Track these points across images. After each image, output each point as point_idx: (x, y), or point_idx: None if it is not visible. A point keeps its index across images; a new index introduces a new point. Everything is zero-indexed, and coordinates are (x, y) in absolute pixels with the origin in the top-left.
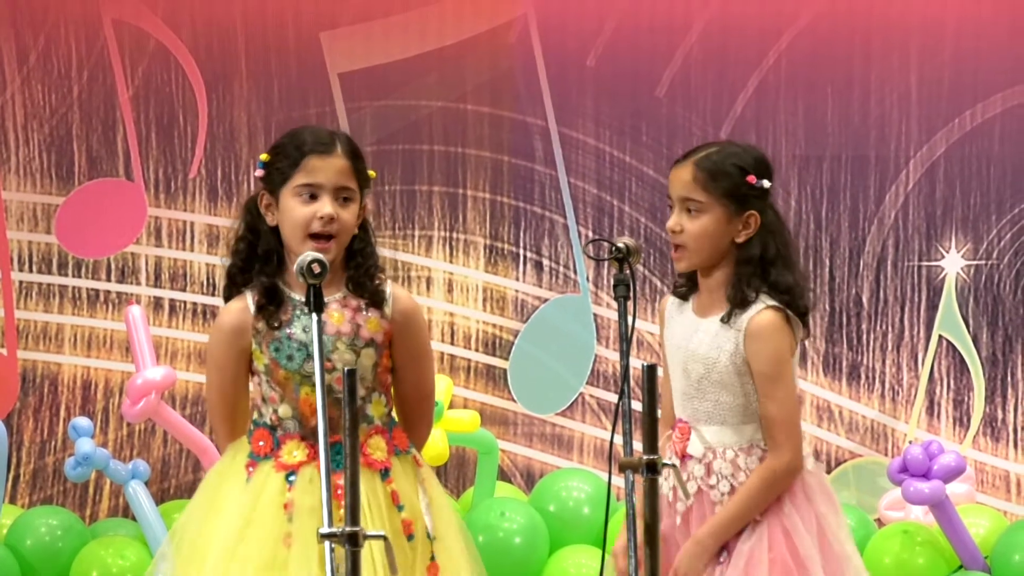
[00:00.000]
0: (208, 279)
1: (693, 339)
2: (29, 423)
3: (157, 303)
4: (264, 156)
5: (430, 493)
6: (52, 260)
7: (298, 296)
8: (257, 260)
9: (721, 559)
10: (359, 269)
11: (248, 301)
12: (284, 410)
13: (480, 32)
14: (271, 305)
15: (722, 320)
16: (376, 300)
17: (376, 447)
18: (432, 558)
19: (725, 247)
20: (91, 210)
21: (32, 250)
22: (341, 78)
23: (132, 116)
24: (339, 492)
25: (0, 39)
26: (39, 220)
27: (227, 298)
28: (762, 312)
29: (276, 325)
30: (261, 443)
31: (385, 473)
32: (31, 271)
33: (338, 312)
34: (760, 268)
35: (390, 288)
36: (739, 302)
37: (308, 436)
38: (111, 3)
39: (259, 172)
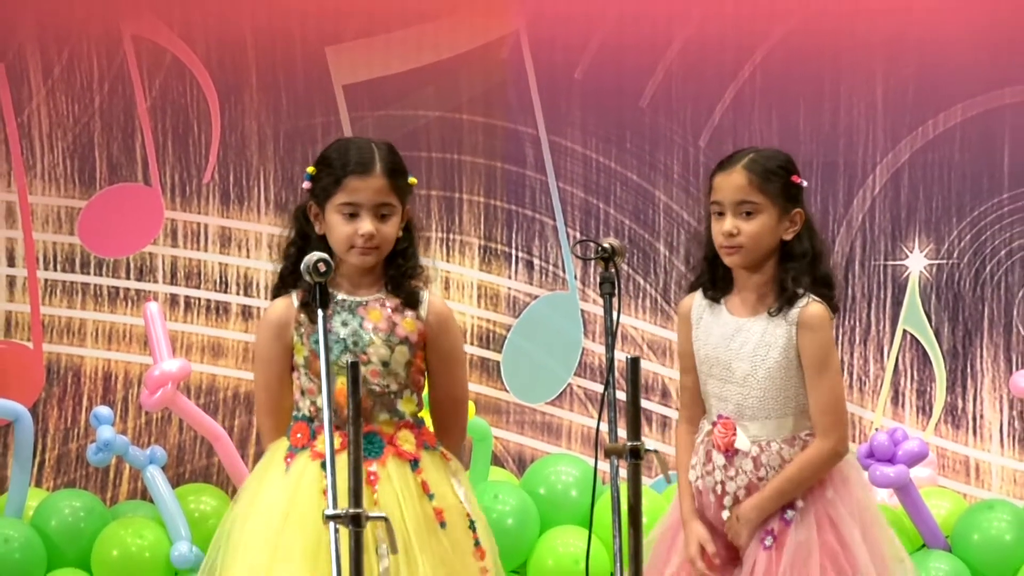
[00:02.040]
0: (221, 277)
1: (736, 338)
2: (54, 412)
3: (173, 300)
4: (311, 169)
5: (465, 485)
6: (75, 259)
7: (340, 295)
8: None
9: (767, 544)
10: (398, 270)
11: (293, 298)
12: (322, 401)
13: (475, 47)
14: (315, 302)
15: (770, 313)
16: (411, 301)
17: (405, 439)
18: (477, 543)
19: (775, 245)
20: (111, 213)
21: (56, 250)
22: (345, 89)
23: (150, 125)
24: (371, 478)
25: (26, 53)
26: (63, 222)
27: (275, 296)
28: (811, 304)
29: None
30: (299, 435)
31: (415, 464)
32: (55, 270)
33: (377, 309)
34: (808, 263)
35: (426, 294)
36: (789, 297)
37: (342, 426)
38: (130, 20)
39: (306, 184)
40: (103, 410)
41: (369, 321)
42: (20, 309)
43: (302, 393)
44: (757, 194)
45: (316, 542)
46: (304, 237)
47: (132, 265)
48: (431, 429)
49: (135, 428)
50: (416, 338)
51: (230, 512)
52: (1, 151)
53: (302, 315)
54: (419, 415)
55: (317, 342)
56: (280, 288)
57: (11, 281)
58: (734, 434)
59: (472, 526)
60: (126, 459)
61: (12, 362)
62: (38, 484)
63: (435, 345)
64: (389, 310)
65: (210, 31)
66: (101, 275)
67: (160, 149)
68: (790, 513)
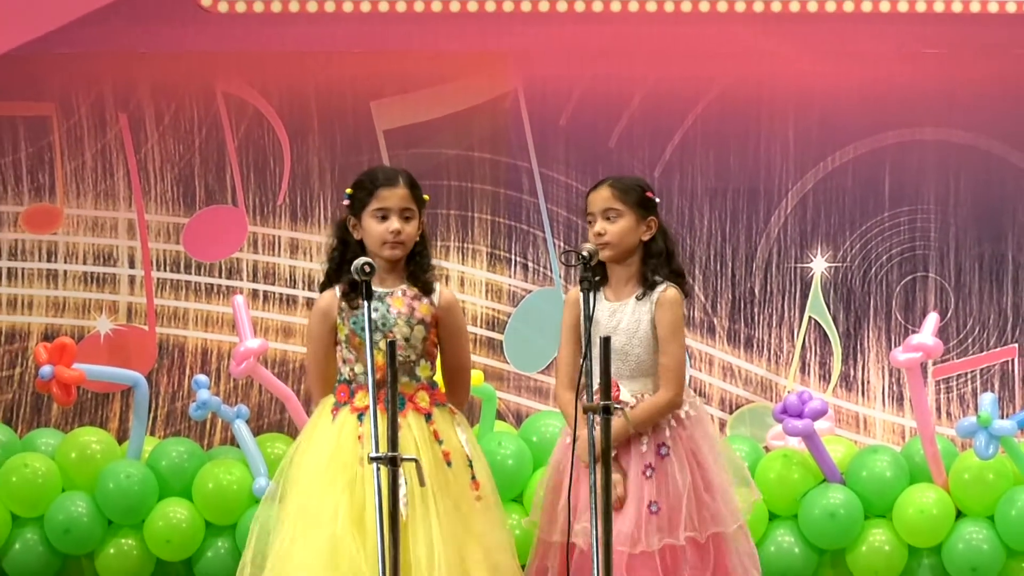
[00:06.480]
0: (291, 277)
1: (614, 317)
2: (164, 379)
3: (255, 294)
4: (349, 190)
5: (467, 433)
6: (180, 263)
7: (372, 287)
8: (347, 263)
9: (648, 475)
10: (417, 266)
11: (336, 291)
12: (359, 367)
13: (483, 101)
14: (353, 292)
15: (636, 298)
16: (426, 290)
17: (422, 399)
18: (473, 477)
19: (635, 244)
20: (208, 227)
21: (166, 256)
22: (385, 134)
23: (237, 160)
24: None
25: (143, 106)
26: (171, 234)
27: (323, 288)
28: (668, 289)
29: (355, 306)
30: (342, 394)
31: (428, 417)
32: (166, 270)
33: (400, 298)
34: (664, 259)
35: (439, 286)
36: (649, 285)
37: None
38: (222, 80)
39: (346, 202)
40: (201, 377)
41: (394, 307)
42: (138, 301)
43: (343, 362)
44: (618, 203)
45: (353, 474)
46: (344, 243)
47: (223, 267)
48: (443, 391)
49: (226, 391)
50: (430, 319)
51: (291, 449)
52: (124, 181)
53: (343, 303)
54: (433, 379)
55: (355, 323)
56: (326, 284)
57: (132, 279)
58: (618, 391)
59: (470, 464)
60: (219, 414)
61: (133, 341)
62: (152, 433)
63: (444, 324)
64: (409, 298)
65: (282, 89)
66: (200, 275)
67: (245, 179)
68: (664, 449)
